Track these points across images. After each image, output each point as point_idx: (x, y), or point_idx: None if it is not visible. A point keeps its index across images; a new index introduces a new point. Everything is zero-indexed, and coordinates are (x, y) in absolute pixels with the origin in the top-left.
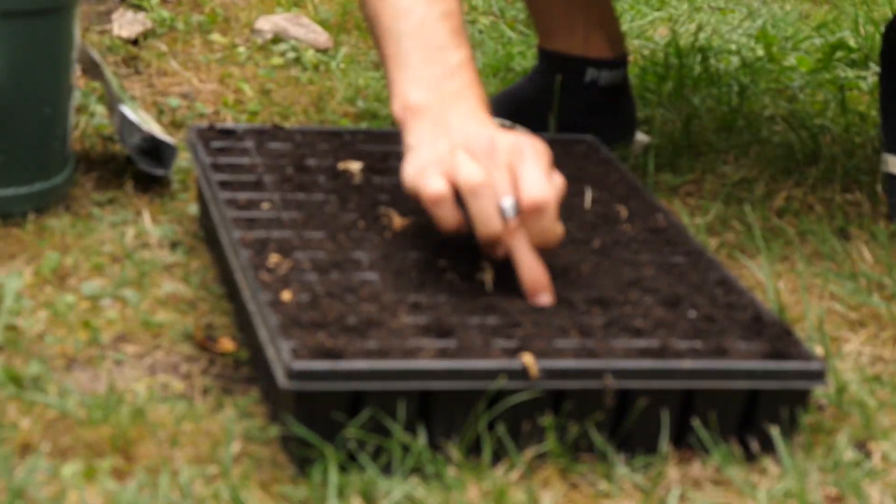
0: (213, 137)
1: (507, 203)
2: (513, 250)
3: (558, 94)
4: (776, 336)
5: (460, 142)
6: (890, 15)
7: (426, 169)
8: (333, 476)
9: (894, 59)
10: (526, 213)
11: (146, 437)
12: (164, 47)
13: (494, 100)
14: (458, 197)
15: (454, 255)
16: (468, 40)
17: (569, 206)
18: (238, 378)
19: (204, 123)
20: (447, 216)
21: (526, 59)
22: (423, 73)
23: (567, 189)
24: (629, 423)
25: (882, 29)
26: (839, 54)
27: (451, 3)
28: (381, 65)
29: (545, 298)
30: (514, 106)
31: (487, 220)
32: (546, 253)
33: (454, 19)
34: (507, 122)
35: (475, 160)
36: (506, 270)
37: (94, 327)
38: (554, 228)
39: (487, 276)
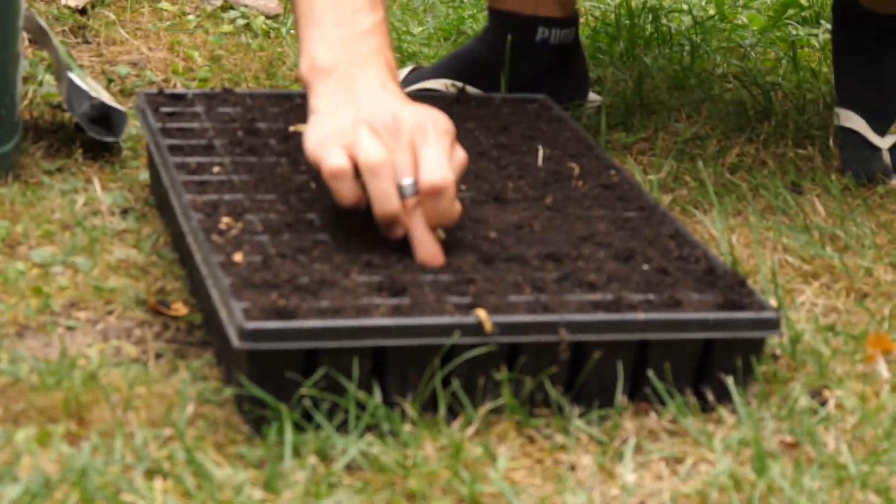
0: (163, 102)
1: (407, 182)
2: (410, 229)
3: (509, 54)
4: (729, 287)
5: (364, 116)
6: None
7: (327, 141)
8: (289, 435)
9: (842, 13)
10: (424, 195)
11: (100, 401)
12: (112, 16)
13: (446, 62)
14: (358, 173)
15: None
16: (384, 4)
17: (521, 164)
18: (191, 342)
19: (153, 89)
20: (345, 191)
21: (477, 23)
22: (333, 33)
23: (468, 162)
24: (584, 376)
25: None
26: (790, 12)
27: None
28: (295, 26)
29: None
30: (466, 67)
31: (385, 200)
32: (499, 209)
33: None
34: (458, 84)
35: (377, 137)
36: (456, 229)
37: (46, 294)
38: (451, 210)
39: (437, 235)
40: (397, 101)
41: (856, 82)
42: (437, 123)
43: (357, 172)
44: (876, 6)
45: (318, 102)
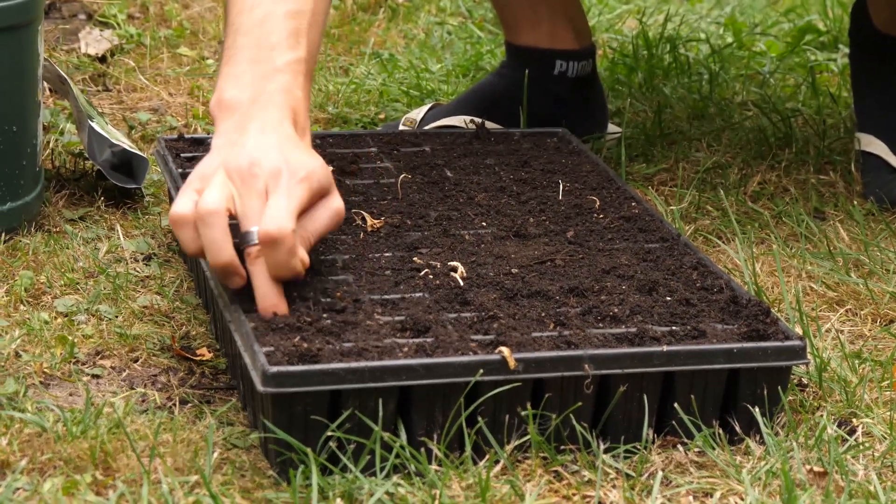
0: (183, 148)
1: (252, 230)
2: (251, 275)
3: (528, 88)
4: (754, 316)
5: (225, 160)
6: None
7: (188, 184)
8: (315, 478)
9: (863, 38)
10: (262, 245)
11: (126, 449)
12: (131, 63)
13: (464, 97)
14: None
15: (428, 254)
16: (314, 43)
17: (542, 198)
18: (217, 387)
19: (173, 135)
20: (186, 239)
21: (495, 58)
22: (246, 70)
23: (344, 216)
24: (610, 410)
25: (850, 10)
26: (808, 38)
27: (303, 3)
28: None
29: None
30: (485, 102)
31: (215, 250)
32: (521, 244)
33: (300, 19)
34: (477, 120)
35: (227, 184)
36: (479, 266)
37: (71, 343)
38: (288, 262)
39: (459, 272)
40: (275, 146)
41: (875, 106)
42: (295, 172)
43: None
44: (892, 30)
45: (216, 140)
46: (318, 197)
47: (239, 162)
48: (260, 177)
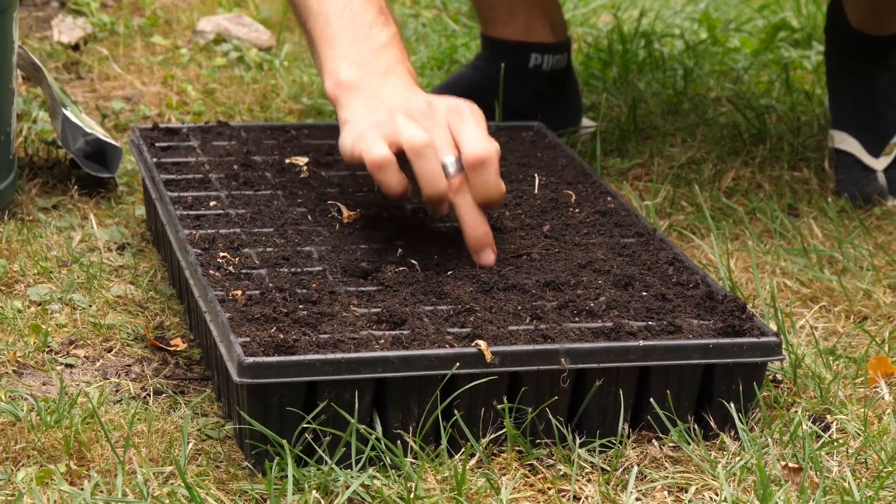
0: (157, 137)
1: (450, 160)
2: (457, 207)
3: (503, 81)
4: (729, 312)
5: (398, 105)
6: None
7: (366, 134)
8: (290, 470)
9: (838, 35)
10: (469, 169)
11: (100, 439)
12: (105, 51)
13: (439, 90)
14: (401, 160)
15: (404, 245)
16: (394, 17)
17: (518, 192)
18: (191, 377)
19: (147, 124)
20: (392, 180)
21: (470, 51)
22: (353, 50)
23: (503, 157)
24: (585, 404)
25: (824, 8)
26: (782, 34)
27: None
28: (308, 46)
29: (488, 256)
30: (460, 94)
31: (433, 180)
32: (497, 238)
33: None
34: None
35: (414, 122)
36: (455, 259)
37: (44, 332)
38: (497, 183)
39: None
40: (421, 95)
41: (849, 104)
42: (470, 107)
43: (400, 160)
44: (867, 28)
45: (349, 114)
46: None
47: (417, 102)
48: (440, 112)
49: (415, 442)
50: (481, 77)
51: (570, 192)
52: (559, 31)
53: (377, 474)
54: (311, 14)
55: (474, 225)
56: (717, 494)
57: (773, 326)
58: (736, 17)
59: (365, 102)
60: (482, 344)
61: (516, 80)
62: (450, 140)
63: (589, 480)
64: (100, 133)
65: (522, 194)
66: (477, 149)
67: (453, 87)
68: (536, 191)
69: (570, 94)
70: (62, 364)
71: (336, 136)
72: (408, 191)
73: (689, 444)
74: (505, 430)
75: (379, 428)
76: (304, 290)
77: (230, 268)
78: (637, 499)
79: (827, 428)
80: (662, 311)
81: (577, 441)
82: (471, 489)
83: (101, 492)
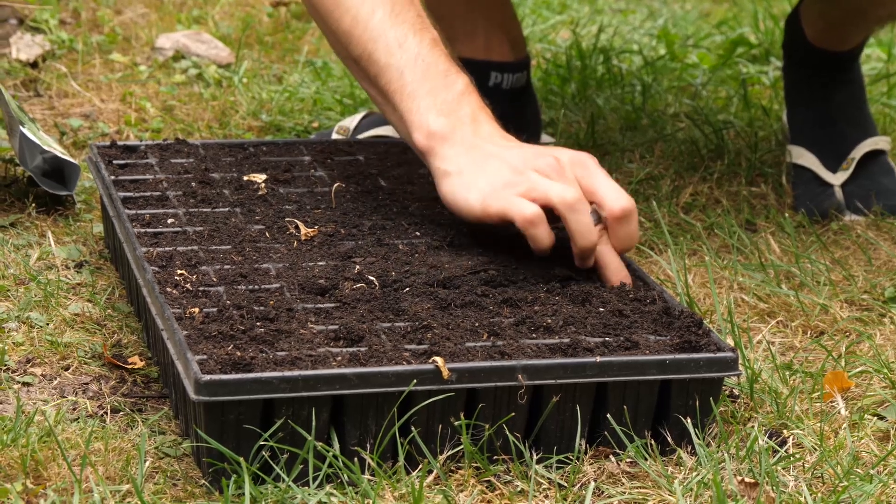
0: (115, 154)
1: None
2: (600, 255)
3: None
4: (686, 328)
5: (526, 162)
6: (788, 10)
7: (499, 193)
8: (248, 488)
9: (795, 51)
10: (614, 221)
11: (57, 458)
12: (63, 69)
13: None
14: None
15: (362, 262)
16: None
17: None
18: (148, 395)
19: (106, 141)
20: (543, 236)
21: None
22: (436, 100)
23: None
24: (542, 420)
25: (782, 24)
26: (740, 50)
27: (433, 31)
28: (378, 103)
29: None
30: None
31: (587, 233)
32: (454, 255)
33: (442, 46)
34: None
35: (550, 178)
36: (412, 275)
37: (1, 350)
38: (636, 233)
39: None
40: (530, 147)
41: (807, 119)
42: (592, 159)
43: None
44: (825, 43)
45: (449, 164)
46: None
47: (545, 159)
48: (567, 166)
49: (372, 459)
50: None
51: None
52: (518, 49)
53: (334, 491)
54: (380, 69)
55: (617, 270)
56: None
57: (729, 342)
58: (694, 34)
59: (466, 153)
60: (439, 360)
61: None
62: (583, 196)
63: (546, 496)
64: (58, 150)
65: None
66: (622, 202)
67: None
68: None
69: (530, 110)
70: (19, 382)
71: (294, 154)
72: (553, 244)
73: (646, 459)
74: (462, 446)
75: (336, 445)
76: (262, 308)
77: (187, 285)
78: None
79: (783, 443)
80: (619, 326)
81: (535, 457)
82: None
83: None
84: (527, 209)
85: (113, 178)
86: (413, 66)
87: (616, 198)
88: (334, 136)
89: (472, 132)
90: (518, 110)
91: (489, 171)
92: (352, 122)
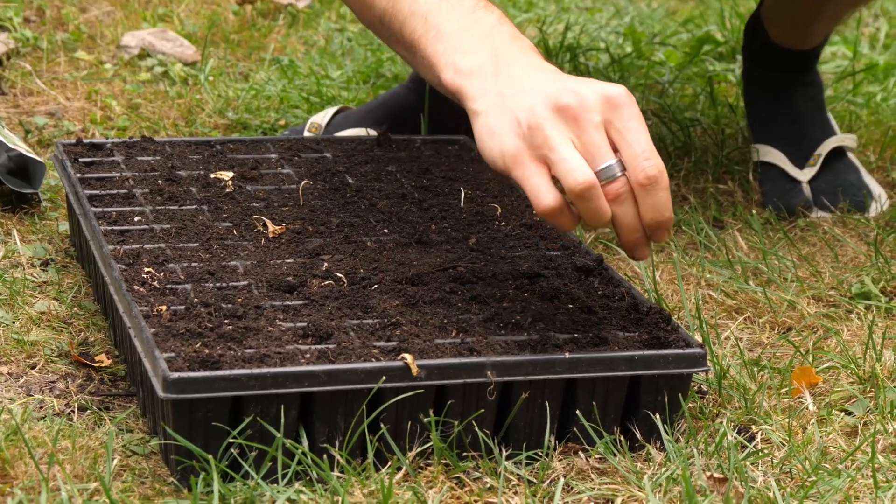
0: (81, 153)
1: (608, 164)
2: (617, 218)
3: (435, 102)
4: (654, 324)
5: (540, 100)
6: (754, 7)
7: (519, 158)
8: (216, 485)
9: (756, 53)
10: (638, 188)
11: (24, 456)
12: (28, 66)
13: (372, 107)
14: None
15: (330, 259)
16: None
17: (444, 206)
18: (116, 393)
19: (71, 139)
20: (566, 222)
21: (396, 65)
22: (465, 37)
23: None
24: (512, 417)
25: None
26: (706, 48)
27: None
28: (407, 59)
29: (643, 252)
30: (392, 115)
31: (598, 218)
32: (423, 252)
33: None
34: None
35: (566, 135)
36: (381, 272)
37: None
38: (668, 204)
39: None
40: (558, 82)
41: (772, 118)
42: (628, 98)
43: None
44: (789, 42)
45: (478, 104)
46: None
47: (566, 98)
48: (594, 109)
49: (341, 456)
50: (414, 99)
51: (496, 206)
52: None
53: (304, 489)
54: (405, 19)
55: (629, 235)
56: None
57: (698, 338)
58: (661, 31)
59: (495, 88)
60: (408, 357)
61: (446, 101)
62: (606, 143)
63: (516, 493)
64: (23, 149)
65: (448, 208)
66: (647, 168)
67: (385, 106)
68: (463, 204)
69: None
70: None
71: (261, 151)
72: (578, 222)
73: (615, 455)
74: (432, 443)
75: (305, 442)
76: (230, 305)
77: (155, 283)
78: None
79: (752, 438)
80: (588, 323)
81: (504, 453)
82: (397, 502)
83: None
84: (544, 199)
85: (79, 175)
86: (437, 10)
87: (641, 162)
88: (306, 132)
89: (503, 65)
90: None
91: (507, 115)
92: (324, 118)
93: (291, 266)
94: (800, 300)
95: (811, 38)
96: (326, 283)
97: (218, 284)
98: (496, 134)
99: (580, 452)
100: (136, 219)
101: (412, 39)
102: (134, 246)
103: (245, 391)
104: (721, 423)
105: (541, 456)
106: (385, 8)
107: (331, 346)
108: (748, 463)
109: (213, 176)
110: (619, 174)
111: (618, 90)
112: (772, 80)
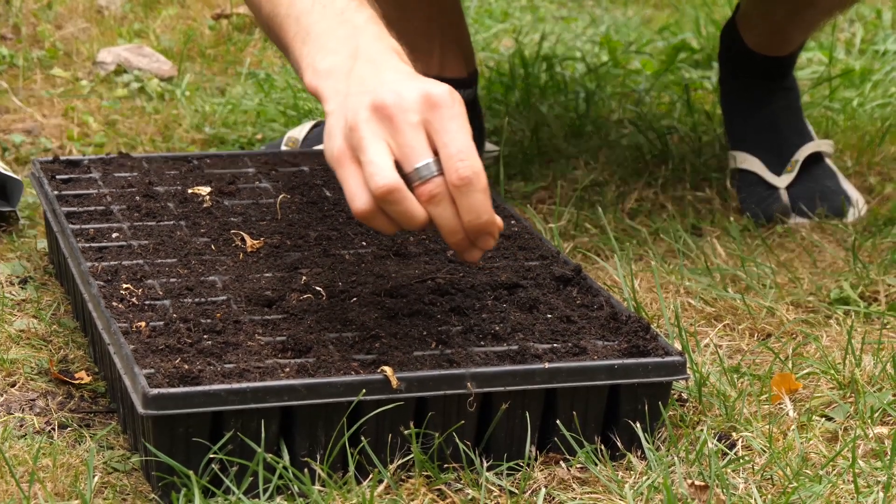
0: (58, 170)
1: (423, 164)
2: (437, 219)
3: None
4: (633, 332)
5: (367, 102)
6: (729, 14)
7: (342, 159)
8: (198, 501)
9: (732, 60)
10: (453, 188)
11: (4, 475)
12: (4, 84)
13: None
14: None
15: (309, 273)
16: (370, 4)
17: None
18: (96, 410)
19: (48, 157)
20: (380, 225)
21: None
22: (329, 38)
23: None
24: (492, 428)
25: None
26: (682, 56)
27: None
28: (287, 54)
29: (473, 254)
30: None
31: (408, 221)
32: (401, 263)
33: None
34: None
35: (378, 126)
36: (359, 285)
37: None
38: (486, 205)
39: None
40: (407, 78)
41: (749, 125)
42: (451, 97)
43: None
44: (766, 49)
45: (329, 105)
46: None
47: (384, 98)
48: (411, 109)
49: (322, 469)
50: None
51: None
52: (469, 63)
53: (285, 503)
54: (282, 20)
55: (450, 235)
56: None
57: (677, 346)
58: (636, 40)
59: (345, 88)
60: (388, 370)
61: None
62: (423, 143)
63: (497, 503)
64: (0, 167)
65: None
66: (460, 169)
67: None
68: None
69: (475, 122)
70: None
71: (238, 166)
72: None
73: (596, 464)
74: (412, 455)
75: (286, 456)
76: (209, 320)
77: (133, 299)
78: None
79: (732, 445)
80: (567, 332)
81: (485, 465)
82: None
83: None
84: (355, 202)
85: (56, 193)
86: (309, 11)
87: (456, 162)
88: (283, 147)
89: (358, 65)
90: None
91: (341, 115)
92: (300, 132)
93: (270, 280)
94: (779, 306)
95: (787, 45)
96: (305, 296)
97: (197, 300)
98: (330, 135)
99: (561, 462)
100: (114, 235)
101: (286, 41)
102: (112, 262)
103: (225, 406)
104: (702, 430)
105: (522, 466)
106: (269, 12)
107: (310, 360)
108: (729, 470)
109: (190, 191)
110: (435, 175)
111: (440, 89)
112: (748, 86)
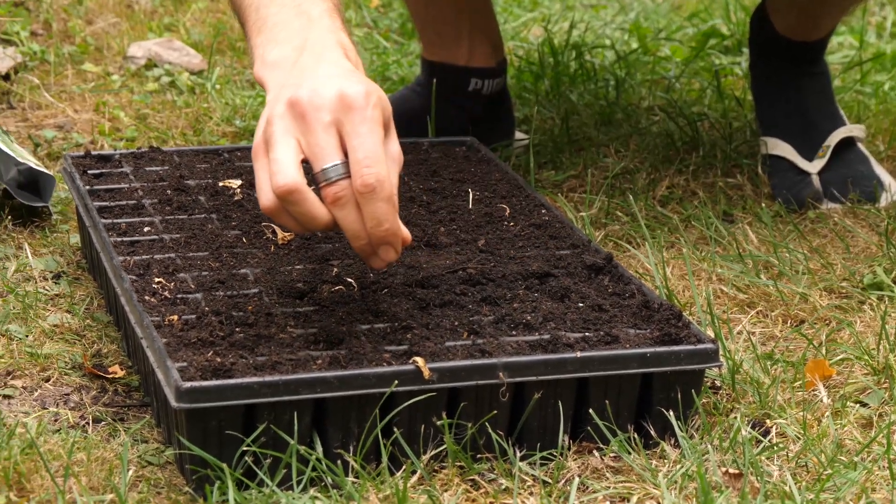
0: (90, 164)
1: (330, 165)
2: (342, 222)
3: (442, 105)
4: (666, 320)
5: (289, 96)
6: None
7: (258, 153)
8: (231, 494)
9: (762, 45)
10: (357, 195)
11: (39, 469)
12: (36, 80)
13: None
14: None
15: (340, 265)
16: None
17: (452, 208)
18: (130, 404)
19: (80, 152)
20: (285, 222)
21: (401, 68)
22: (282, 30)
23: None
24: (525, 418)
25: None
26: (712, 42)
27: None
28: (247, 44)
29: (376, 261)
30: (399, 118)
31: (308, 222)
32: (432, 254)
33: None
34: None
35: (291, 131)
36: (390, 276)
37: None
38: (386, 215)
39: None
40: (335, 75)
41: (779, 111)
42: (366, 99)
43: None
44: (796, 34)
45: (268, 96)
46: (385, 129)
47: (299, 95)
48: (324, 108)
49: (355, 461)
50: (421, 101)
51: (505, 206)
52: (499, 53)
53: (319, 495)
54: (244, 11)
55: (354, 238)
56: (658, 503)
57: (710, 333)
58: (666, 26)
59: (285, 81)
60: (420, 361)
61: (454, 104)
62: (332, 144)
63: (531, 493)
64: (32, 162)
65: (457, 209)
66: (363, 176)
67: (393, 108)
68: (471, 205)
69: (504, 112)
70: (0, 395)
71: None
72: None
73: (629, 453)
74: (445, 446)
75: (319, 448)
76: (241, 313)
77: (166, 293)
78: None
79: (766, 433)
80: (599, 321)
81: (518, 454)
82: None
83: None
84: (261, 198)
85: (88, 187)
86: (270, 3)
87: (361, 169)
88: None
89: (303, 57)
90: (492, 112)
91: (268, 109)
92: None
93: (301, 272)
94: (812, 292)
95: (818, 30)
96: (336, 288)
97: (228, 293)
98: (259, 126)
99: (594, 451)
100: (146, 229)
101: (246, 30)
102: (144, 256)
103: (258, 399)
104: (735, 418)
105: (555, 456)
106: (237, 3)
107: (342, 352)
108: (763, 457)
109: (221, 184)
110: (342, 177)
111: (356, 90)
112: (779, 72)
